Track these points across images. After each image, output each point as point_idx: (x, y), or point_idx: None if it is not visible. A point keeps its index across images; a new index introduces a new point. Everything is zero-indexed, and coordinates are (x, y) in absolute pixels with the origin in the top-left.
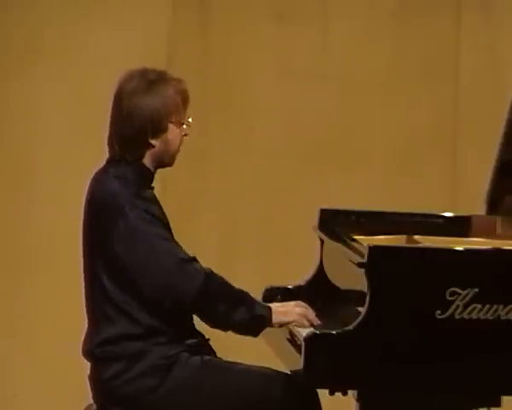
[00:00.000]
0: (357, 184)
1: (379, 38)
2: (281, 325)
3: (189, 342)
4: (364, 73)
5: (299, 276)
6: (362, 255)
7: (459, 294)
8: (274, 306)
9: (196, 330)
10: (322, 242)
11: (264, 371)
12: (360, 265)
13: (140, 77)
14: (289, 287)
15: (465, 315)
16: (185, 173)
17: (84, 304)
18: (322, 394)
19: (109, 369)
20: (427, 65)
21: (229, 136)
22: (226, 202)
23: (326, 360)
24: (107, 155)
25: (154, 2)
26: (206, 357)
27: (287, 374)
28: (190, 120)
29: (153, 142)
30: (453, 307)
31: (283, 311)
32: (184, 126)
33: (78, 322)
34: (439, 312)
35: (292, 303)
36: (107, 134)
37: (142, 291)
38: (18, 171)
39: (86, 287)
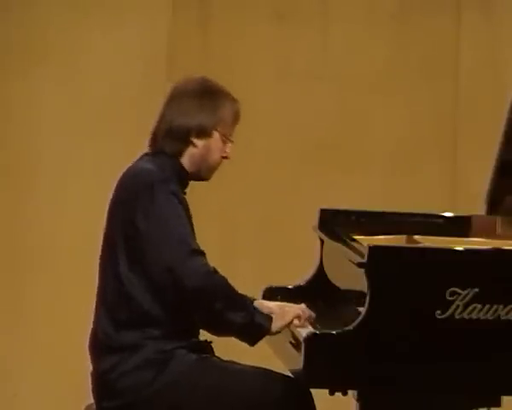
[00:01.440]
0: (357, 184)
1: (378, 38)
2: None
3: (188, 340)
4: (364, 73)
5: (299, 276)
6: (362, 255)
7: (459, 294)
8: (275, 310)
9: (198, 331)
10: (322, 242)
11: (262, 371)
12: (360, 265)
13: (198, 82)
14: (289, 287)
15: (465, 315)
16: None
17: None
18: (322, 394)
19: (105, 361)
20: (427, 64)
21: None
22: (226, 201)
23: (326, 360)
24: (107, 155)
25: (154, 2)
26: (204, 355)
27: (283, 375)
28: (232, 140)
29: (195, 141)
30: (453, 307)
31: (280, 315)
32: (229, 145)
33: (78, 322)
34: (439, 312)
35: (288, 305)
36: (105, 134)
37: (149, 268)
38: (19, 171)
39: (100, 266)
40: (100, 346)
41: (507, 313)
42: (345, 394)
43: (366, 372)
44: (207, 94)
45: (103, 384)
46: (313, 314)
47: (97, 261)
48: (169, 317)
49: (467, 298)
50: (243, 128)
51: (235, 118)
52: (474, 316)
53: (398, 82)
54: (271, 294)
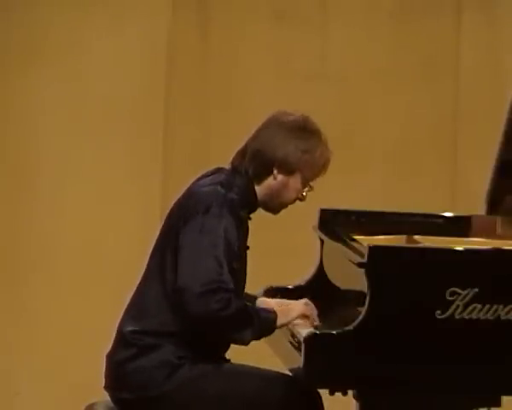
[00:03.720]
0: (357, 184)
1: (378, 39)
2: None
3: (208, 355)
4: (364, 74)
5: (299, 276)
6: (362, 255)
7: (459, 294)
8: (277, 308)
9: (224, 351)
10: (322, 242)
11: (267, 373)
12: (360, 265)
13: (299, 119)
14: (289, 287)
15: (465, 315)
16: (185, 174)
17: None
18: (323, 394)
19: (124, 352)
20: (427, 65)
21: (228, 136)
22: None
23: (326, 359)
24: (106, 155)
25: (153, 3)
26: (215, 363)
27: (288, 376)
28: (311, 186)
29: (275, 172)
30: (453, 307)
31: (284, 311)
32: (306, 189)
33: (78, 322)
34: (439, 312)
35: (293, 302)
36: (105, 134)
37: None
38: (19, 171)
39: (149, 265)
40: (124, 336)
41: (507, 313)
42: (345, 394)
43: (366, 372)
44: (304, 134)
45: (116, 374)
46: (315, 311)
47: (96, 261)
48: (196, 332)
49: (467, 298)
50: (242, 128)
51: (323, 167)
52: (474, 316)
53: (398, 82)
54: (271, 294)
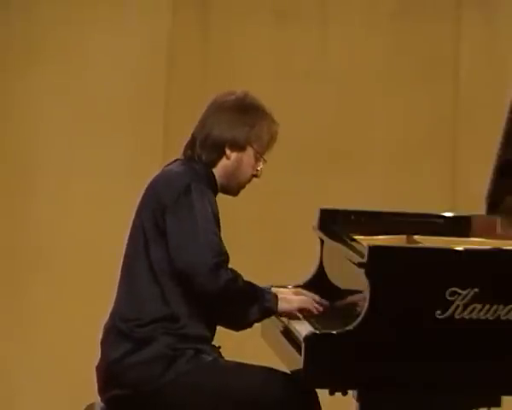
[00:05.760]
0: (357, 184)
1: (378, 39)
2: (283, 314)
3: (200, 343)
4: (364, 74)
5: (299, 276)
6: (362, 255)
7: (459, 294)
8: (279, 293)
9: (213, 337)
10: (322, 242)
11: (265, 370)
12: (360, 265)
13: (240, 96)
14: (289, 287)
15: (465, 315)
16: None
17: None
18: (322, 394)
19: (117, 350)
20: (427, 65)
21: None
22: (226, 201)
23: (326, 360)
24: (107, 155)
25: (154, 3)
26: (211, 357)
27: (286, 373)
28: (265, 160)
29: (228, 152)
30: (453, 307)
31: (287, 299)
32: (261, 164)
33: (78, 322)
34: (439, 312)
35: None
36: (105, 134)
37: (172, 267)
38: (19, 171)
39: (127, 259)
40: (115, 333)
41: (507, 313)
42: (345, 394)
43: (366, 372)
44: (247, 109)
45: (112, 373)
46: (326, 303)
47: (96, 261)
48: (186, 318)
49: (467, 298)
50: None
51: (272, 138)
52: (474, 316)
53: (397, 82)
54: None
